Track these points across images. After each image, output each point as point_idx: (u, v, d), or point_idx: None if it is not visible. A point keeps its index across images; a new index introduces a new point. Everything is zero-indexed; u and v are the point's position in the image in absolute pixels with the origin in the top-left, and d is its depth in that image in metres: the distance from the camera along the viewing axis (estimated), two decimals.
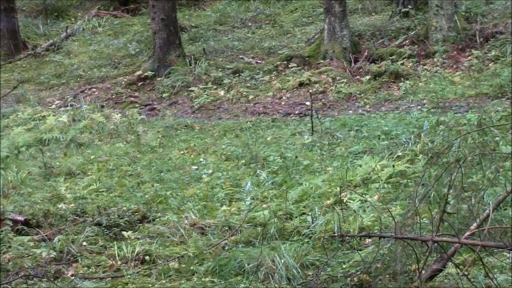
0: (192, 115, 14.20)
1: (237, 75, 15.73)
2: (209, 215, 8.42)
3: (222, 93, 14.97)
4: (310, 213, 7.94)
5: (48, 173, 10.59)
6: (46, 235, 7.73)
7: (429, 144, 9.52)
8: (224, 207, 8.67)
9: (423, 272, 5.66)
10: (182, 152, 11.53)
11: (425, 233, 5.55)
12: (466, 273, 5.68)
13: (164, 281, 6.75)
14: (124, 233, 7.87)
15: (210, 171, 10.35)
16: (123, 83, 16.32)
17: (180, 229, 7.82)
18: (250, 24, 19.34)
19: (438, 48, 14.87)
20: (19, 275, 6.60)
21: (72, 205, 8.72)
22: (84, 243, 7.54)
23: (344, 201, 8.24)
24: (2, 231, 7.51)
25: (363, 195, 8.26)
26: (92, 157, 11.40)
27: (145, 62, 16.85)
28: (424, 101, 12.94)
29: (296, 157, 10.19)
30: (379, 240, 5.86)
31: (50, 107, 14.97)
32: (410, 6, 17.00)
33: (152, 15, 16.36)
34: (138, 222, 8.22)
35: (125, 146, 12.03)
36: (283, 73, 15.49)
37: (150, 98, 15.48)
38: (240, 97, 14.69)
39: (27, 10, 22.26)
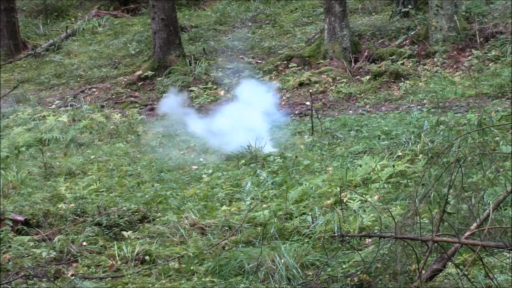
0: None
1: (237, 75, 15.73)
2: (209, 215, 8.42)
3: (222, 93, 14.97)
4: (310, 213, 7.95)
5: (48, 173, 10.59)
6: (46, 235, 7.73)
7: (429, 144, 9.52)
8: (224, 207, 8.68)
9: (423, 272, 5.66)
10: (182, 152, 11.53)
11: (425, 233, 5.55)
12: (466, 273, 5.68)
13: (164, 281, 6.75)
14: (124, 233, 7.87)
15: (210, 171, 10.36)
16: (123, 83, 16.32)
17: (180, 229, 7.82)
18: (250, 24, 19.34)
19: (438, 48, 14.88)
20: (19, 275, 6.60)
21: (72, 205, 8.72)
22: (84, 243, 7.54)
23: (344, 201, 8.24)
24: (2, 231, 7.51)
25: (363, 195, 8.26)
26: (92, 157, 11.41)
27: (145, 62, 16.85)
28: (424, 101, 12.94)
29: (296, 157, 10.19)
30: (379, 240, 5.86)
31: (50, 107, 14.98)
32: (410, 6, 17.00)
33: (152, 15, 16.36)
34: (138, 222, 8.22)
35: (125, 146, 12.03)
36: (283, 73, 15.50)
37: (150, 98, 15.48)
38: None
39: (27, 10, 22.26)
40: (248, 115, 12.07)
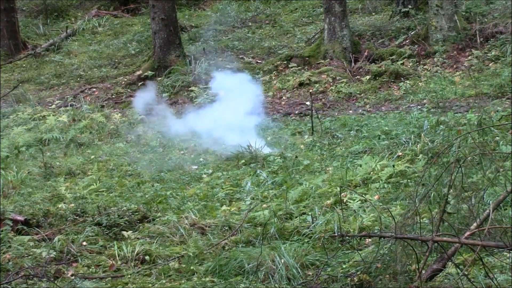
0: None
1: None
2: (209, 215, 8.42)
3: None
4: (310, 213, 7.95)
5: (48, 173, 10.59)
6: (46, 235, 7.73)
7: (429, 144, 9.52)
8: (224, 207, 8.68)
9: (423, 272, 5.66)
10: (182, 152, 11.53)
11: (425, 233, 5.55)
12: (466, 273, 5.68)
13: (164, 281, 6.75)
14: (124, 233, 7.87)
15: (210, 171, 10.36)
16: (123, 83, 16.33)
17: (180, 229, 7.82)
18: (250, 24, 19.34)
19: (438, 48, 14.88)
20: (19, 275, 6.60)
21: (72, 205, 8.73)
22: (84, 243, 7.55)
23: (344, 201, 8.24)
24: (2, 231, 7.51)
25: (363, 195, 8.26)
26: (92, 157, 11.42)
27: (145, 62, 16.85)
28: (424, 101, 12.94)
29: (296, 157, 10.19)
30: (379, 240, 5.86)
31: (50, 107, 14.98)
32: (410, 6, 17.00)
33: (152, 15, 16.36)
34: (138, 222, 8.23)
35: (125, 146, 12.03)
36: (283, 73, 15.49)
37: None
38: None
39: (27, 10, 22.26)
40: (227, 113, 12.00)
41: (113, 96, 15.67)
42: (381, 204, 7.97)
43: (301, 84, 14.79)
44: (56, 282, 6.59)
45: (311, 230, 7.47)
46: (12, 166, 10.76)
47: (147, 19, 18.56)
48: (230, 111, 11.95)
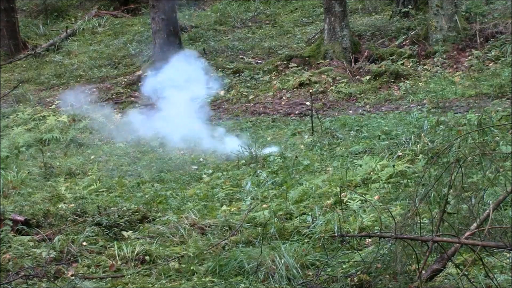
0: None
1: (237, 75, 15.74)
2: (209, 215, 8.42)
3: (222, 93, 14.98)
4: (310, 213, 7.95)
5: (48, 173, 10.59)
6: (46, 235, 7.73)
7: (429, 144, 9.52)
8: (224, 207, 8.68)
9: (423, 272, 5.66)
10: (182, 152, 11.53)
11: (425, 233, 5.55)
12: (466, 273, 5.68)
13: (164, 281, 6.75)
14: (124, 233, 7.87)
15: (210, 171, 10.36)
16: (123, 83, 16.32)
17: (180, 229, 7.82)
18: (250, 24, 19.34)
19: (438, 48, 14.88)
20: (19, 275, 6.60)
21: (72, 205, 8.72)
22: (84, 243, 7.54)
23: (344, 201, 8.24)
24: (2, 231, 7.51)
25: (363, 195, 8.26)
26: (92, 157, 11.41)
27: (145, 62, 16.85)
28: (424, 101, 12.94)
29: (296, 157, 10.19)
30: (379, 240, 5.86)
31: (50, 107, 14.98)
32: (410, 6, 17.00)
33: (152, 15, 16.36)
34: (138, 222, 8.22)
35: (125, 146, 12.03)
36: (283, 73, 15.50)
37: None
38: (240, 97, 14.70)
39: (27, 10, 22.26)
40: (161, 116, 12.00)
41: (113, 96, 15.67)
42: (381, 204, 7.97)
43: (301, 84, 14.79)
44: (56, 282, 6.59)
45: (311, 230, 7.47)
46: (12, 166, 10.75)
47: (147, 19, 18.56)
48: (165, 114, 12.02)
